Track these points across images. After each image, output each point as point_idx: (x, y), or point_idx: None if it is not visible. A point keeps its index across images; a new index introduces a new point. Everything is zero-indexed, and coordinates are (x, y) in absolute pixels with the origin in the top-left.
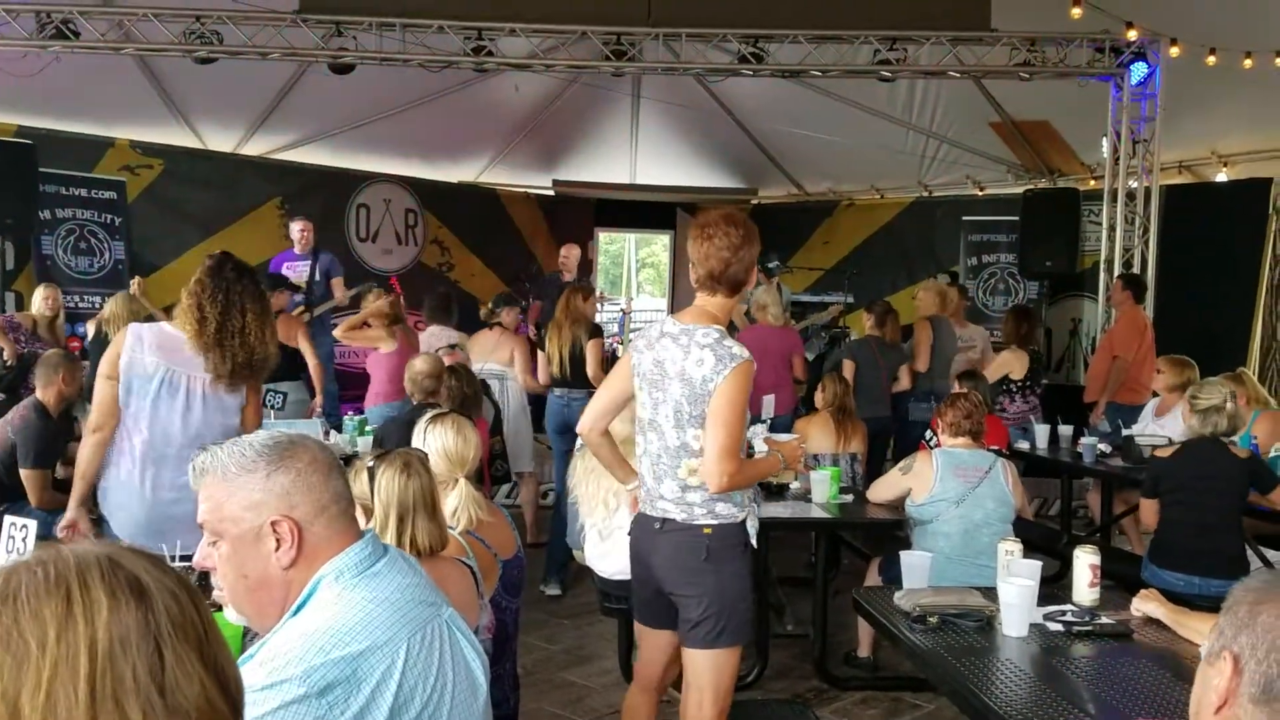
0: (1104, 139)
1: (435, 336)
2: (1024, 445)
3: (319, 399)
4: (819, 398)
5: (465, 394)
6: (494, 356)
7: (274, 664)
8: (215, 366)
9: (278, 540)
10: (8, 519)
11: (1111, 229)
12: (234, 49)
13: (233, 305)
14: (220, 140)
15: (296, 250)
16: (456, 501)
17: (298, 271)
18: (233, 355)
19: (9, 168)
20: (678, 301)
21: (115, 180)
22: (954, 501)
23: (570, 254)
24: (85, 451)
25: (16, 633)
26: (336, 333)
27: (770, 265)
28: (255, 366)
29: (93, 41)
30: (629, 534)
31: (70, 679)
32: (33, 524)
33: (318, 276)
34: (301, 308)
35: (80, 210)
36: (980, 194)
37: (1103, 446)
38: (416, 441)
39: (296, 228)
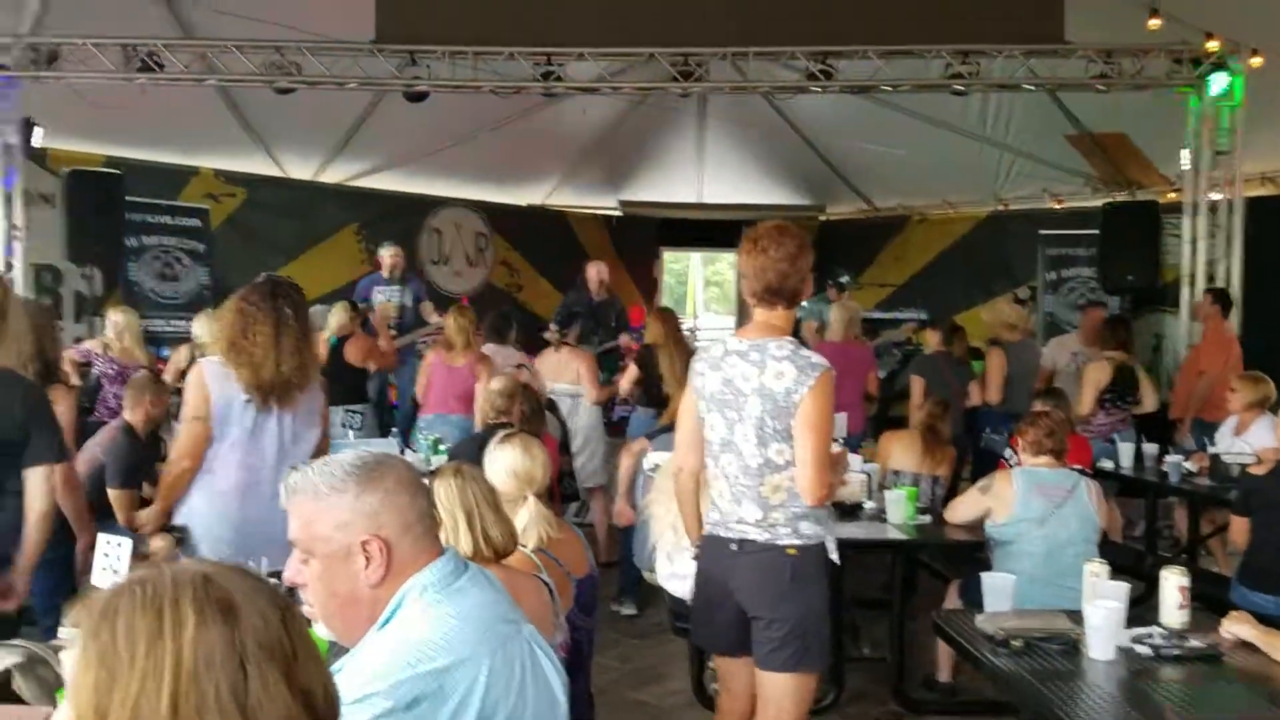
0: (1183, 151)
1: (496, 355)
2: (1108, 464)
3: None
4: (914, 414)
5: (524, 412)
6: (564, 376)
7: (361, 678)
8: (246, 386)
9: (367, 559)
10: (102, 536)
11: (1193, 242)
12: (312, 79)
13: (249, 326)
14: (300, 168)
15: (384, 275)
16: (526, 519)
17: (387, 296)
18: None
19: (98, 197)
20: (745, 320)
21: (199, 208)
22: (1037, 521)
23: (599, 272)
24: (169, 480)
25: (113, 648)
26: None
27: (841, 280)
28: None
29: (177, 74)
30: (696, 559)
31: (155, 694)
32: (128, 542)
33: (409, 302)
34: (393, 332)
35: (165, 237)
36: (1058, 207)
37: (1188, 465)
38: (486, 460)
39: (387, 254)
